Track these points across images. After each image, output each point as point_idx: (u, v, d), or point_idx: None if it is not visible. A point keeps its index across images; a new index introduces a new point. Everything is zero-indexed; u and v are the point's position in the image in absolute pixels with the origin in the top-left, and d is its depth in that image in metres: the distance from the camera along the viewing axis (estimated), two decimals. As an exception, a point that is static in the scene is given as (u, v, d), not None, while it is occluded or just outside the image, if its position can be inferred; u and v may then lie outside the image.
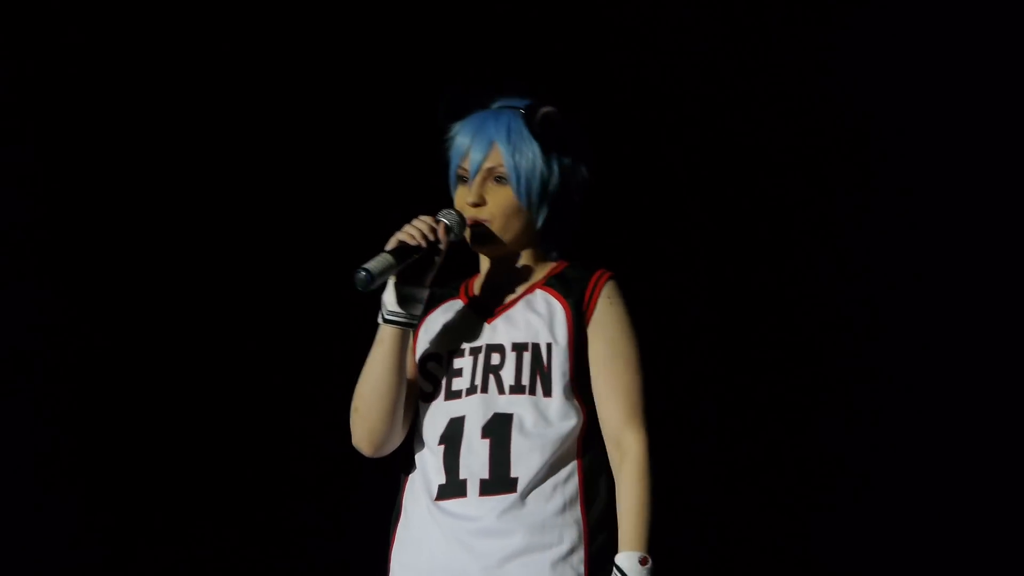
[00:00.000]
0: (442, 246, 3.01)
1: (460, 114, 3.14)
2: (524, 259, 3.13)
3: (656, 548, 2.92)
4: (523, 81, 3.17)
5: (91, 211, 4.46)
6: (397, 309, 3.01)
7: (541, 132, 3.07)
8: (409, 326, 3.03)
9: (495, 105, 3.14)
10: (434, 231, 3.01)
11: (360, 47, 4.51)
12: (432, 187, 3.20)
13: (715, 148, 4.48)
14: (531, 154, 3.08)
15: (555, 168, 3.09)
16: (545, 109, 3.08)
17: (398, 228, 3.01)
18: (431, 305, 3.12)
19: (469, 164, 3.09)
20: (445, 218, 3.05)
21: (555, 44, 4.40)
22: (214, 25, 4.47)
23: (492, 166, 3.08)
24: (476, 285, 3.17)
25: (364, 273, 2.91)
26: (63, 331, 4.42)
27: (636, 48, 4.46)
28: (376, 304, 3.07)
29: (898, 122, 4.38)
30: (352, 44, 4.51)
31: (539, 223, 3.10)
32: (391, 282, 3.01)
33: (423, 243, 2.99)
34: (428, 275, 3.03)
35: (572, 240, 3.15)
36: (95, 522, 4.41)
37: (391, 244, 2.99)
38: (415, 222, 3.01)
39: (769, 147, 4.45)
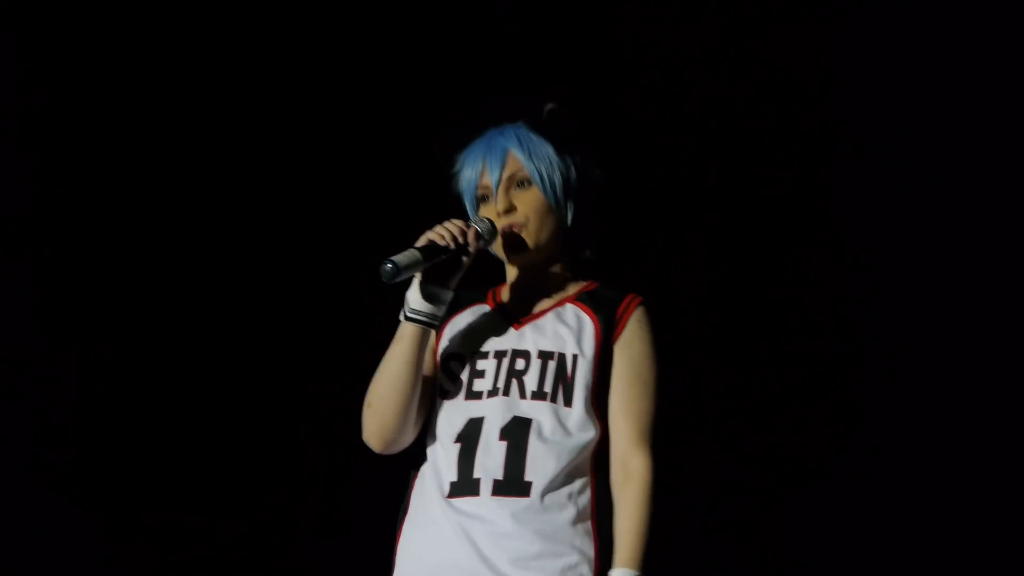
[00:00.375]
0: (471, 249, 3.01)
1: (459, 147, 3.15)
2: (555, 271, 3.13)
3: (651, 572, 2.92)
4: (514, 104, 3.18)
5: (104, 209, 4.46)
6: (420, 307, 3.01)
7: (550, 130, 3.10)
8: (431, 325, 3.03)
9: (492, 129, 3.16)
10: (464, 234, 3.01)
11: (375, 48, 4.51)
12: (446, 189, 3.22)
13: (719, 158, 4.48)
14: (546, 153, 3.10)
15: (570, 164, 3.11)
16: (548, 106, 3.11)
17: (428, 227, 3.01)
18: (457, 307, 3.13)
19: (488, 179, 3.09)
20: (477, 224, 3.05)
21: (559, 65, 4.40)
22: (236, 23, 4.48)
23: (511, 173, 3.10)
24: (504, 293, 3.17)
25: (391, 265, 2.90)
26: (68, 329, 4.42)
27: (638, 60, 4.46)
28: (394, 303, 3.07)
29: (904, 125, 4.37)
30: (367, 45, 4.51)
31: (569, 220, 3.11)
32: (416, 280, 3.01)
33: (452, 245, 2.98)
34: (454, 277, 3.02)
35: (599, 237, 3.16)
36: (98, 521, 4.39)
37: (421, 242, 2.98)
38: (446, 224, 3.01)
39: (774, 153, 4.45)
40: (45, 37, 4.44)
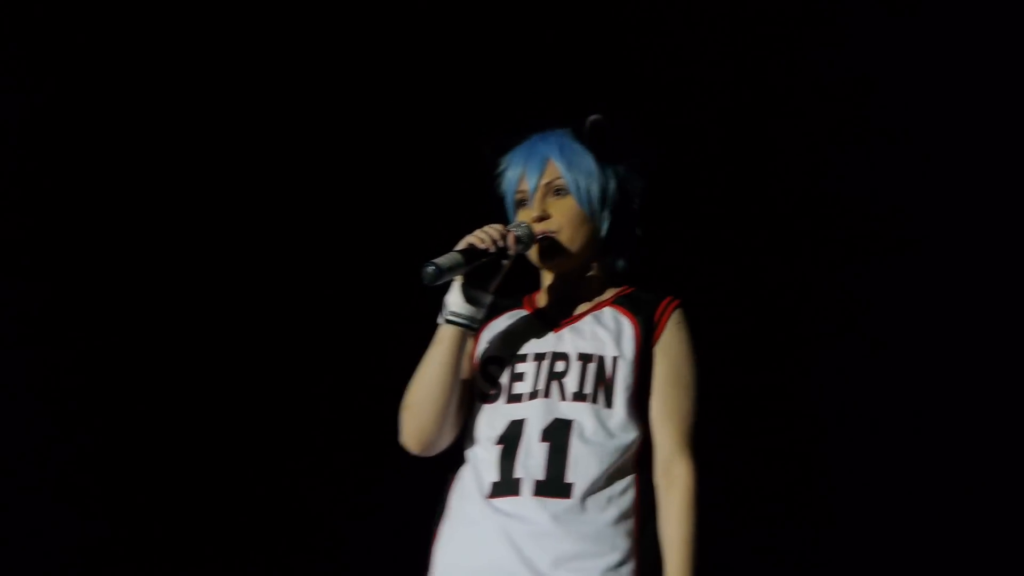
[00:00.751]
0: (511, 253, 3.03)
1: (505, 150, 3.17)
2: (590, 277, 3.15)
3: None
4: (558, 112, 3.20)
5: (135, 211, 4.47)
6: (461, 310, 3.02)
7: (592, 140, 3.12)
8: (470, 328, 3.04)
9: (536, 134, 3.18)
10: (504, 237, 3.02)
11: (411, 51, 4.52)
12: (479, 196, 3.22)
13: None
14: (586, 163, 3.12)
15: (610, 174, 3.13)
16: (592, 118, 3.13)
17: (468, 231, 3.03)
18: (494, 313, 3.14)
19: (527, 185, 3.12)
20: (516, 229, 3.07)
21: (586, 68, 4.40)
22: (272, 26, 4.49)
23: (550, 180, 3.12)
24: (540, 299, 3.18)
25: (432, 268, 2.93)
26: (78, 331, 4.39)
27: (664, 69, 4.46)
28: (428, 303, 3.08)
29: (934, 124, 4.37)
30: (404, 49, 4.52)
31: (604, 230, 3.13)
32: (456, 283, 3.02)
33: (492, 248, 3.00)
34: (494, 280, 3.04)
35: (637, 248, 3.17)
36: (132, 524, 4.43)
37: (461, 245, 3.00)
38: (486, 228, 3.03)
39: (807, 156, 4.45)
40: (47, 38, 4.40)
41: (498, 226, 3.04)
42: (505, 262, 3.03)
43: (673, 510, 2.96)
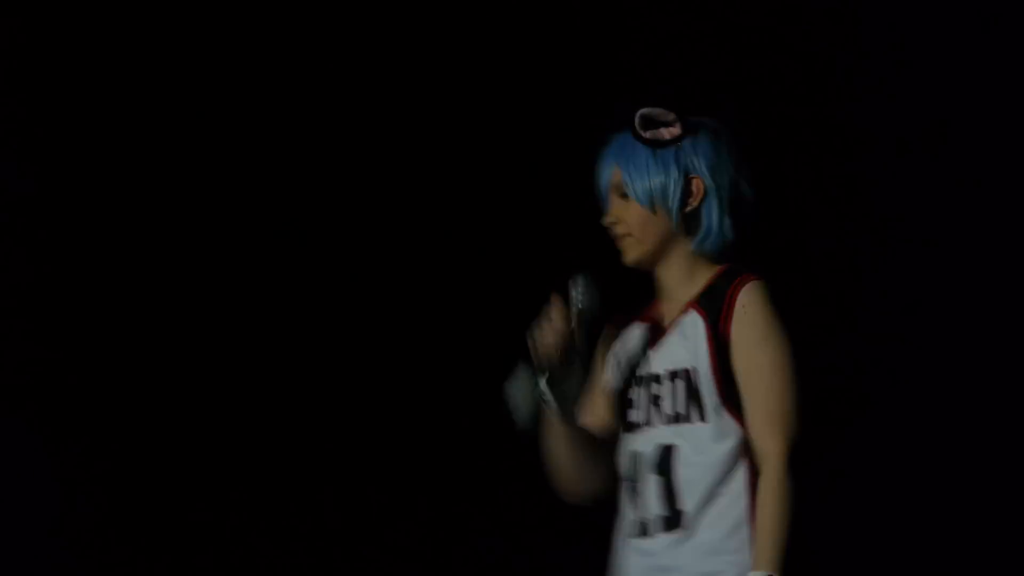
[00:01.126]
0: (579, 345, 3.04)
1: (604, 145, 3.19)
2: (683, 270, 3.10)
3: (792, 567, 2.83)
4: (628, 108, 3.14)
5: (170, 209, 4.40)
6: (547, 394, 3.04)
7: (643, 134, 3.07)
8: (562, 404, 3.05)
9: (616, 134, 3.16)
10: (571, 335, 3.02)
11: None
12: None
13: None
14: (640, 159, 3.07)
15: (671, 163, 3.06)
16: (641, 111, 3.09)
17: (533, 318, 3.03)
18: (618, 330, 3.18)
19: (600, 190, 3.15)
20: (575, 294, 3.06)
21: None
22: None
23: (616, 183, 3.12)
24: (653, 306, 3.18)
25: (518, 419, 3.01)
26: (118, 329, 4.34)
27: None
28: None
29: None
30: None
31: (675, 222, 3.08)
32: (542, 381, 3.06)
33: (562, 359, 3.02)
34: (573, 356, 3.05)
35: (724, 226, 3.08)
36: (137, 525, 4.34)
37: (535, 357, 3.02)
38: (546, 326, 3.02)
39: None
40: (45, 37, 4.34)
41: (558, 317, 3.02)
42: (579, 360, 3.05)
43: (760, 493, 2.91)
